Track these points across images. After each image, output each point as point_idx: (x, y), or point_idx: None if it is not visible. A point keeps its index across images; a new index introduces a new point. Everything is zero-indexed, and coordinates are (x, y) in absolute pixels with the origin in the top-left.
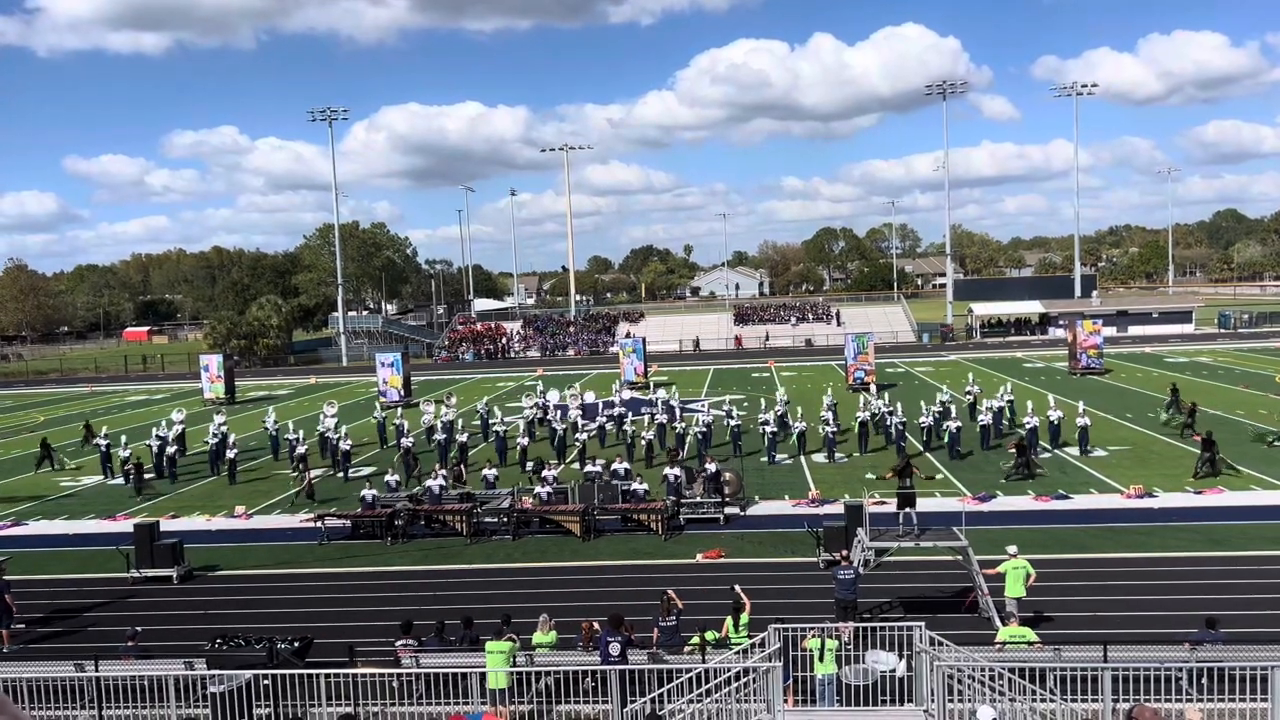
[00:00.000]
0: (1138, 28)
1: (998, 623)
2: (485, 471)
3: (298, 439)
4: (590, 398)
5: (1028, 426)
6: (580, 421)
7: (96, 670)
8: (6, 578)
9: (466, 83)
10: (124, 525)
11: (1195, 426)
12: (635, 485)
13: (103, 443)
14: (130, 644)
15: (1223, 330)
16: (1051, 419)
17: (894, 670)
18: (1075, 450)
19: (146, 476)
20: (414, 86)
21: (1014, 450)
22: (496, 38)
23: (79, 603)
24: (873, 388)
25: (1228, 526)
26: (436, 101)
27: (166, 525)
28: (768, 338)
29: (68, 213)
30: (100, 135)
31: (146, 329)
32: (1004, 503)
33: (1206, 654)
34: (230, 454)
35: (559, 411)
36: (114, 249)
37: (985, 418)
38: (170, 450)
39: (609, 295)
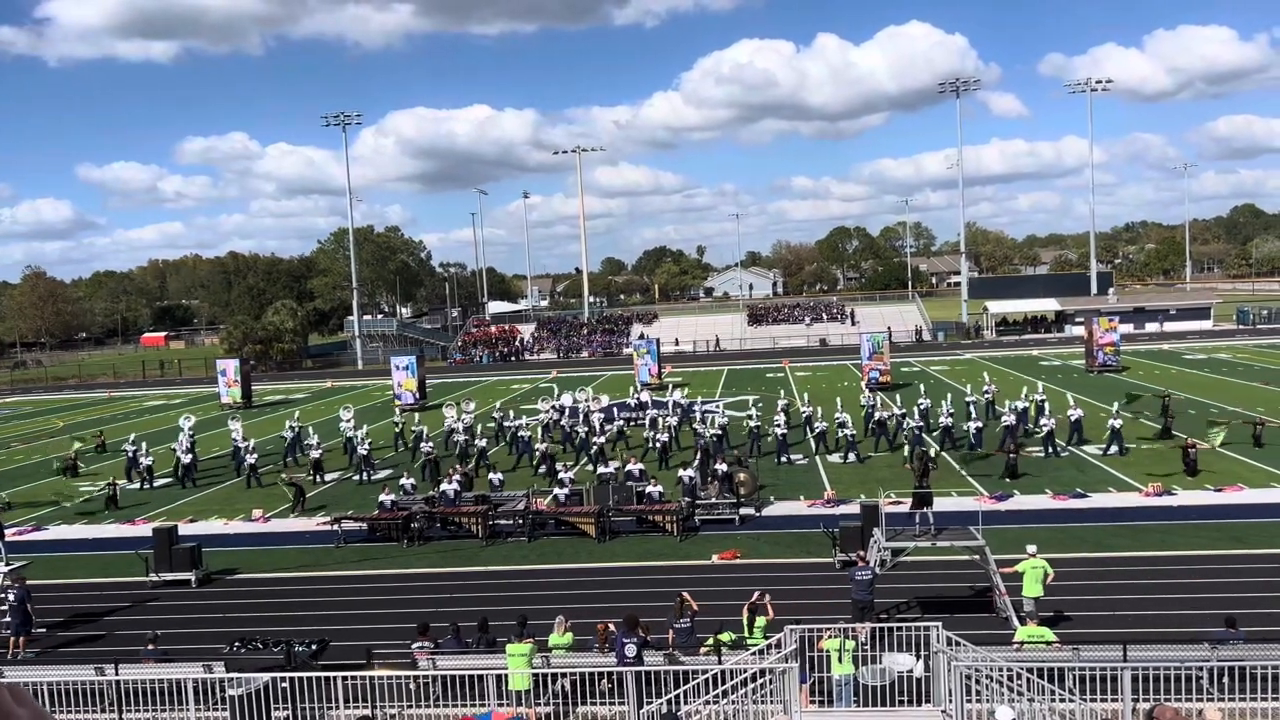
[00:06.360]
0: (1143, 23)
1: (1015, 622)
2: (491, 476)
3: (314, 443)
4: (605, 400)
5: (1045, 428)
6: (599, 424)
7: (116, 674)
8: (28, 583)
9: (473, 86)
10: (143, 529)
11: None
12: (650, 487)
13: (130, 449)
14: (150, 647)
15: (1241, 326)
16: (1071, 417)
17: (911, 670)
18: (1093, 449)
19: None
20: (421, 91)
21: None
22: (502, 41)
23: (99, 607)
24: (865, 389)
25: (1248, 524)
26: (444, 105)
27: (185, 529)
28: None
29: (84, 220)
30: (112, 143)
31: (164, 334)
32: (1021, 502)
33: (1227, 653)
34: (250, 459)
35: (576, 414)
36: (130, 255)
37: (1009, 418)
38: (186, 459)
39: (622, 296)
